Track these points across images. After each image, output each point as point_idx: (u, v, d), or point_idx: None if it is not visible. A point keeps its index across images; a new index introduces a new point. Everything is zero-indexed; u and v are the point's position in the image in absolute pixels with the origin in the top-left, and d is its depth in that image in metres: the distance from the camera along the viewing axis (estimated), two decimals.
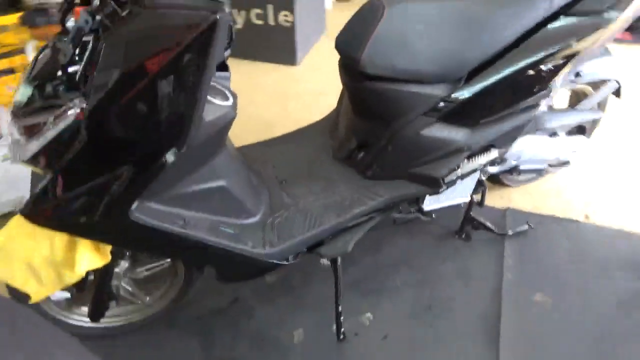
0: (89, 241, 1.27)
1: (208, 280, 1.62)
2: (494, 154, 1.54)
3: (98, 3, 0.99)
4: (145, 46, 0.95)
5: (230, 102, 1.20)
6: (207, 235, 1.30)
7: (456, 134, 1.46)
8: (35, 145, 1.03)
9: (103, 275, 1.38)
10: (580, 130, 1.94)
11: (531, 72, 1.41)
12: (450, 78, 1.41)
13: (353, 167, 1.62)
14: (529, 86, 1.44)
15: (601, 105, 1.94)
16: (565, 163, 1.98)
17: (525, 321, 1.71)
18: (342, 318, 1.58)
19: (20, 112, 1.11)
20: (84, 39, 1.02)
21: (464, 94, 1.41)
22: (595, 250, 1.96)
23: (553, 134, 1.84)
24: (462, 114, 1.44)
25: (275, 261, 1.44)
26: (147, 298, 1.63)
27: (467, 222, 1.95)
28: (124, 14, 0.95)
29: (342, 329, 1.59)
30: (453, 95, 1.41)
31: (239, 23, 3.05)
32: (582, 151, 1.96)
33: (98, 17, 0.99)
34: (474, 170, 1.55)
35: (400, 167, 1.53)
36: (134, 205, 1.13)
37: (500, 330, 1.68)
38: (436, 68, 1.39)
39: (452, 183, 1.53)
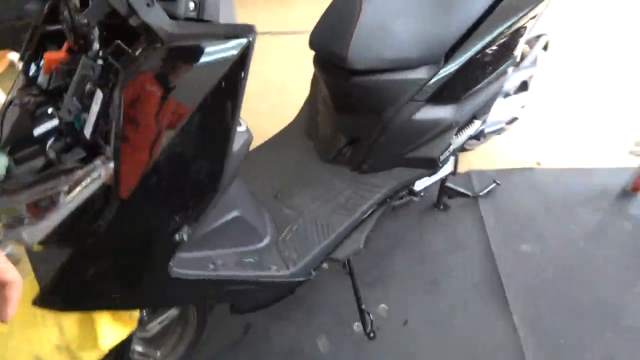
0: (107, 312, 1.11)
1: (214, 316, 1.53)
2: (477, 124, 1.60)
3: (97, 47, 0.84)
4: (172, 88, 0.83)
5: (244, 126, 1.11)
6: (236, 272, 1.21)
7: (444, 113, 1.49)
8: (50, 223, 0.86)
9: (123, 343, 1.22)
10: (523, 86, 2.09)
11: (500, 41, 1.48)
12: (432, 59, 1.43)
13: (345, 165, 1.60)
14: (499, 55, 1.51)
15: (534, 60, 2.10)
16: (515, 119, 2.12)
17: (521, 271, 1.84)
18: (371, 316, 1.57)
19: (8, 188, 0.93)
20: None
21: (446, 72, 1.44)
22: (555, 191, 2.15)
23: (506, 95, 1.97)
24: (446, 92, 1.47)
25: (300, 279, 1.38)
26: (158, 353, 1.49)
27: (443, 193, 2.02)
28: (137, 53, 0.82)
29: (371, 326, 1.58)
30: (437, 76, 1.44)
31: None
32: (527, 105, 2.12)
33: (100, 62, 0.85)
34: (463, 144, 1.60)
35: (396, 155, 1.53)
36: (172, 261, 1.01)
37: (503, 286, 1.79)
38: (419, 52, 1.39)
39: (446, 160, 1.57)
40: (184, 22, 0.85)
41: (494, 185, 2.10)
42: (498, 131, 2.10)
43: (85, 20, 0.81)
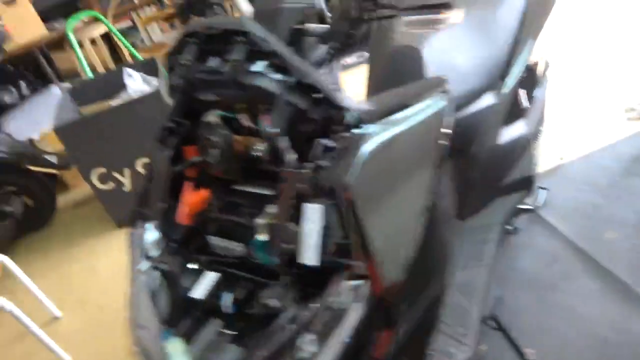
0: None
1: None
2: (542, 131, 1.60)
3: (294, 156, 0.69)
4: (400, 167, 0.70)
5: None
6: None
7: (519, 129, 1.47)
8: None
9: None
10: None
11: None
12: (493, 84, 1.42)
13: None
14: (535, 64, 1.56)
15: None
16: None
17: (620, 256, 1.81)
18: None
19: None
20: None
21: (508, 91, 1.44)
22: (594, 175, 2.19)
23: None
24: (514, 110, 1.46)
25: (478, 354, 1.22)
26: None
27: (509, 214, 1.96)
28: (340, 143, 0.68)
29: None
30: (502, 97, 1.42)
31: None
32: None
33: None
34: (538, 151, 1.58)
35: (492, 187, 1.47)
36: None
37: (616, 275, 1.74)
38: (481, 80, 1.38)
39: (538, 174, 1.53)
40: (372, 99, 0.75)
41: (546, 191, 2.08)
42: None
43: (270, 130, 0.67)
